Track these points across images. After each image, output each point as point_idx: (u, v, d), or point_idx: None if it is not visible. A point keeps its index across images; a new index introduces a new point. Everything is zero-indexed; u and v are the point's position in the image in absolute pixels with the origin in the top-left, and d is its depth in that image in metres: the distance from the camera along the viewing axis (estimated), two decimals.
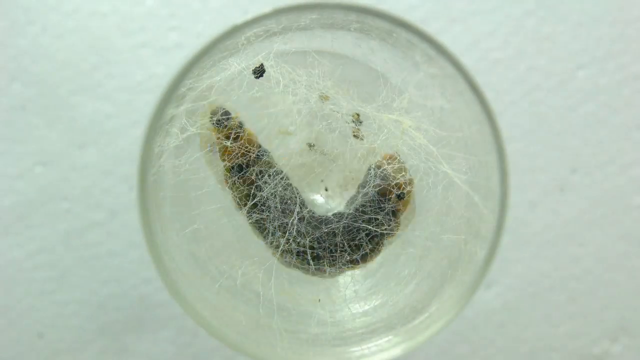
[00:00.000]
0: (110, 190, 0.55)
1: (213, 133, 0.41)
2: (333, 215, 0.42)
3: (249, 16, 0.35)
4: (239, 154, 0.41)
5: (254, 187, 0.41)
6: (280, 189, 0.41)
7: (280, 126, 0.43)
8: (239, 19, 0.35)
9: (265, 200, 0.41)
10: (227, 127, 0.41)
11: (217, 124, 0.41)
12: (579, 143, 0.57)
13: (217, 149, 0.41)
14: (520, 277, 0.57)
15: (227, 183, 0.41)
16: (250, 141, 0.41)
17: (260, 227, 0.41)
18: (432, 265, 0.43)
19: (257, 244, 0.42)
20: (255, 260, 0.42)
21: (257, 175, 0.41)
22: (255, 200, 0.41)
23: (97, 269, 0.55)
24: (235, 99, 0.41)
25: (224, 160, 0.41)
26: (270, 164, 0.42)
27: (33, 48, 0.55)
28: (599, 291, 0.58)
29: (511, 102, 0.57)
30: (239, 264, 0.42)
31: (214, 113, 0.41)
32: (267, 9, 0.35)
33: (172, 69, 0.55)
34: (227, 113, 0.41)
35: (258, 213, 0.41)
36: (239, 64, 0.40)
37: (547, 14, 0.57)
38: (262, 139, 0.43)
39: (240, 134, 0.41)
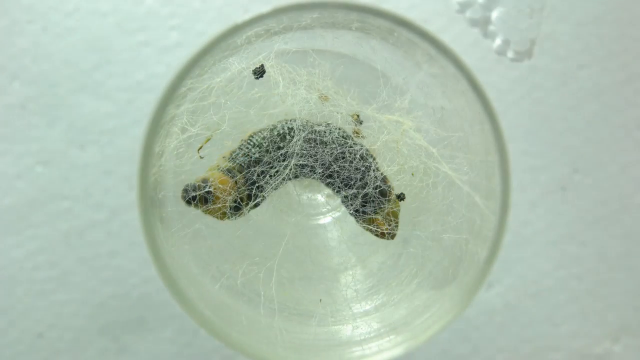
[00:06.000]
0: (111, 190, 0.55)
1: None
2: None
3: (250, 15, 0.35)
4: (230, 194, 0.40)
5: (255, 187, 0.41)
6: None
7: None
8: (240, 18, 0.35)
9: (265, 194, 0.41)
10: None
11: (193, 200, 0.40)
12: (580, 142, 0.57)
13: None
14: (522, 277, 0.57)
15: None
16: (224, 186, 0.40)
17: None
18: (433, 265, 0.43)
19: (257, 244, 0.42)
20: (256, 260, 0.42)
21: (258, 175, 0.41)
22: (258, 200, 0.41)
23: (97, 268, 0.55)
24: (235, 99, 0.40)
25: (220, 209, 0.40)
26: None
27: (33, 47, 0.55)
28: (600, 291, 0.57)
29: (512, 102, 0.57)
30: (239, 263, 0.42)
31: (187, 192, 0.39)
32: (267, 8, 0.35)
33: (172, 69, 0.55)
34: (195, 188, 0.40)
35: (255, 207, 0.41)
36: (240, 64, 0.40)
37: (548, 12, 0.57)
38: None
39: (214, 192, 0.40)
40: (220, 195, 0.40)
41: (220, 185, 0.40)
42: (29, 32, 0.55)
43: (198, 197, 0.39)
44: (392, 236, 0.42)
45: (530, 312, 0.57)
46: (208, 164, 0.42)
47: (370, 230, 0.42)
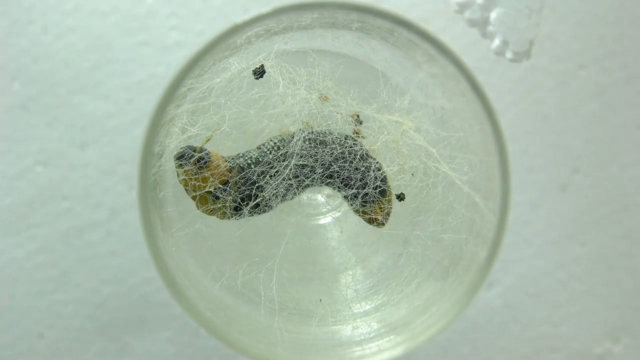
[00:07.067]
0: (111, 190, 0.55)
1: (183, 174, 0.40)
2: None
3: (250, 15, 0.35)
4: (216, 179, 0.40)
5: (255, 187, 0.41)
6: (283, 189, 0.41)
7: (282, 126, 0.43)
8: (240, 18, 0.35)
9: (268, 201, 0.41)
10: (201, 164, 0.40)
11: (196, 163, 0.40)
12: (580, 142, 0.57)
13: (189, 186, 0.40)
14: (522, 277, 0.57)
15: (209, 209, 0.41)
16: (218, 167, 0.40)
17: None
18: (433, 265, 0.43)
19: (257, 244, 0.42)
20: (256, 260, 0.42)
21: (258, 175, 0.41)
22: (258, 200, 0.41)
23: (97, 268, 0.55)
24: (235, 99, 0.41)
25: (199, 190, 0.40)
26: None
27: (33, 47, 0.55)
28: (600, 291, 0.57)
29: (512, 102, 0.57)
30: (239, 263, 0.42)
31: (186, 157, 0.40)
32: (267, 8, 0.35)
33: (172, 68, 0.55)
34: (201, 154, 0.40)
35: (259, 213, 0.41)
36: (240, 64, 0.40)
37: (547, 13, 0.57)
38: (263, 139, 0.43)
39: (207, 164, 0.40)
40: (213, 167, 0.40)
41: (215, 160, 0.40)
42: (29, 32, 0.55)
43: (192, 158, 0.39)
44: (382, 225, 0.43)
45: (530, 312, 0.57)
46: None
47: (363, 213, 0.42)
